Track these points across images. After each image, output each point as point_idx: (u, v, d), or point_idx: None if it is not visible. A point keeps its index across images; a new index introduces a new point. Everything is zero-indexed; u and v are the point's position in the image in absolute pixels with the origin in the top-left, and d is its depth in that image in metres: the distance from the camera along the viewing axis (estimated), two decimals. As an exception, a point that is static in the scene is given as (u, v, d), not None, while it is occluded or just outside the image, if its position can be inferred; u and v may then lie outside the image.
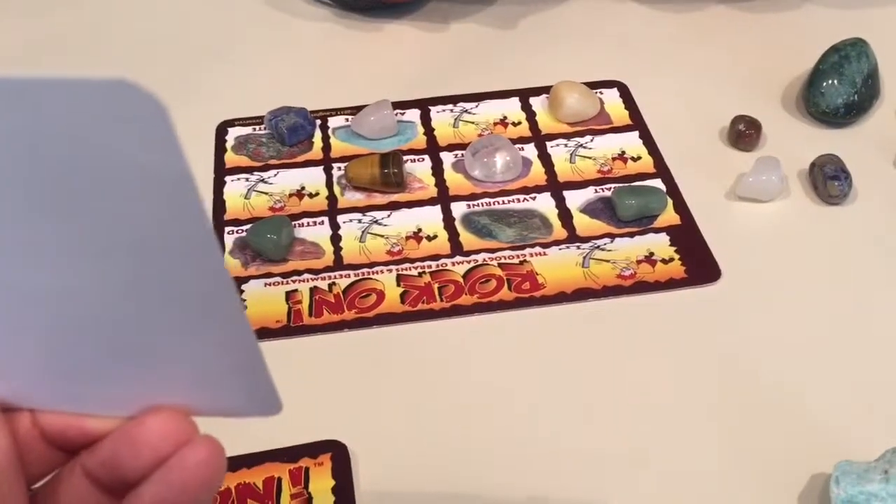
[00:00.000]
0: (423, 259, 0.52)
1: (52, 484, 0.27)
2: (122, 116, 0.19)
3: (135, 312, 0.23)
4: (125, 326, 0.24)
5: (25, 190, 0.21)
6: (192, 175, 0.20)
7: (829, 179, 0.54)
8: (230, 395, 0.26)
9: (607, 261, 0.52)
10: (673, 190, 0.56)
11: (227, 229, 0.54)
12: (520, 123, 0.61)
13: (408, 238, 0.53)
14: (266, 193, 0.56)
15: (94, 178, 0.20)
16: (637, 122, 0.61)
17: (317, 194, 0.56)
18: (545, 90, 0.63)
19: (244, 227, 0.54)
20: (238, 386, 0.26)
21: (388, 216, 0.55)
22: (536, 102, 0.63)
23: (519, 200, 0.55)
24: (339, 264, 0.52)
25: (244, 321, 0.24)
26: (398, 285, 0.51)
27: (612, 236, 0.53)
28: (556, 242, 0.53)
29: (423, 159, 0.58)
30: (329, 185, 0.57)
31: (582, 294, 0.50)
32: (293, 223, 0.54)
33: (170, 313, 0.24)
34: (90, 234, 0.22)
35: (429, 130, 0.61)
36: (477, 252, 0.52)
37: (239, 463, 0.41)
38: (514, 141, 0.59)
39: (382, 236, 0.53)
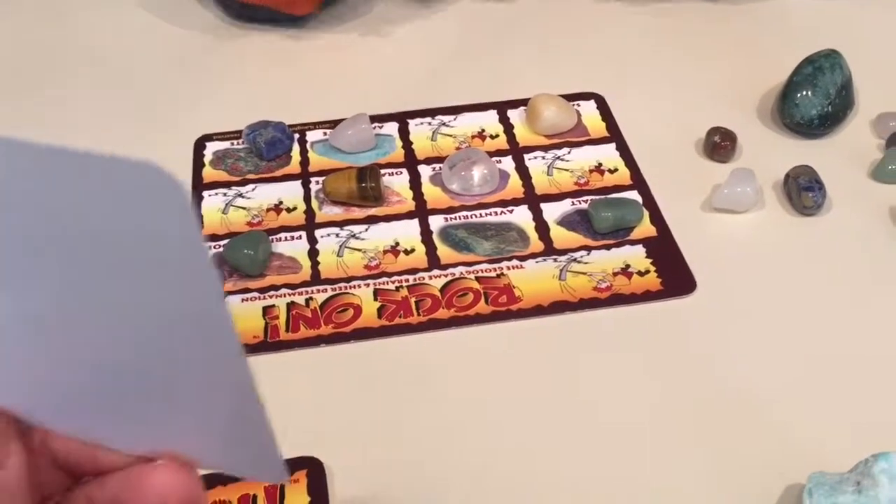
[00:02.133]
0: (400, 273, 0.52)
1: None
2: (146, 194, 0.21)
3: (155, 368, 0.25)
4: (146, 379, 0.25)
5: (64, 250, 0.23)
6: (208, 251, 0.22)
7: (803, 191, 0.55)
8: (238, 457, 0.27)
9: (584, 273, 0.52)
10: (649, 202, 0.56)
11: (204, 245, 0.54)
12: (497, 136, 0.61)
13: (385, 252, 0.53)
14: (244, 208, 0.56)
15: (120, 248, 0.22)
16: (614, 135, 0.61)
17: (294, 209, 0.56)
18: (523, 103, 0.63)
19: (221, 243, 0.54)
20: (246, 451, 0.27)
21: (366, 230, 0.55)
22: (514, 115, 0.63)
23: (496, 213, 0.56)
24: (316, 279, 0.52)
25: (254, 394, 0.25)
26: (375, 300, 0.51)
27: (588, 249, 0.53)
28: (533, 255, 0.53)
29: (401, 173, 0.59)
30: (307, 199, 0.57)
31: (559, 307, 0.50)
32: (271, 238, 0.54)
33: (186, 377, 0.25)
34: (121, 295, 0.23)
35: (407, 144, 0.61)
36: (454, 266, 0.52)
37: (214, 480, 0.41)
38: (492, 154, 0.59)
39: (360, 250, 0.54)
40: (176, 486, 0.26)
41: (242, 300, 0.51)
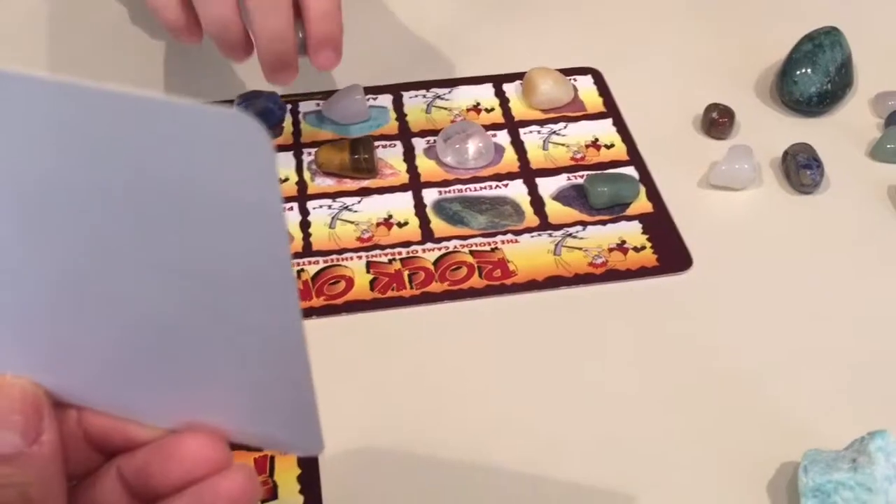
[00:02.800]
0: (393, 246, 0.51)
1: (87, 481, 0.28)
2: (232, 147, 0.20)
3: (204, 332, 0.24)
4: (190, 345, 0.24)
5: (126, 203, 0.22)
6: (285, 215, 0.21)
7: (801, 168, 0.54)
8: (275, 429, 0.27)
9: (579, 248, 0.51)
10: (646, 178, 0.56)
11: (194, 215, 0.53)
12: (493, 110, 0.61)
13: (378, 224, 0.53)
14: (234, 178, 0.55)
15: (190, 201, 0.21)
16: (611, 110, 0.61)
17: (286, 180, 0.55)
18: (519, 76, 0.62)
19: (212, 213, 0.53)
20: (285, 422, 0.26)
21: (359, 202, 0.54)
22: (510, 89, 0.62)
23: (491, 187, 0.55)
24: (308, 251, 0.51)
25: (306, 363, 0.24)
26: (368, 272, 0.50)
27: (584, 224, 0.53)
28: (528, 230, 0.52)
29: (395, 145, 0.58)
30: (299, 170, 0.56)
31: (553, 282, 0.50)
32: (262, 209, 0.53)
33: (236, 342, 0.24)
34: (178, 252, 0.22)
35: (401, 116, 0.60)
36: (448, 239, 0.52)
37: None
38: (487, 127, 0.58)
39: (352, 223, 0.53)
40: (202, 455, 0.25)
41: (233, 271, 0.50)
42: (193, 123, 0.20)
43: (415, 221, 0.53)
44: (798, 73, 0.59)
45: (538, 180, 0.55)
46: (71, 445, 0.27)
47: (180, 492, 0.25)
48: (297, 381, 0.24)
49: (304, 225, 0.53)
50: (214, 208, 0.21)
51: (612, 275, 0.50)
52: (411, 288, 0.49)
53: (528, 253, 0.51)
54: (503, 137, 0.58)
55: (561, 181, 0.55)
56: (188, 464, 0.25)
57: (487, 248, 0.51)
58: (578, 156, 0.57)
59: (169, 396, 0.26)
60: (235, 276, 0.22)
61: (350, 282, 0.49)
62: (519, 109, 0.61)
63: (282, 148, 0.58)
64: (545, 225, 0.53)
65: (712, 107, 0.58)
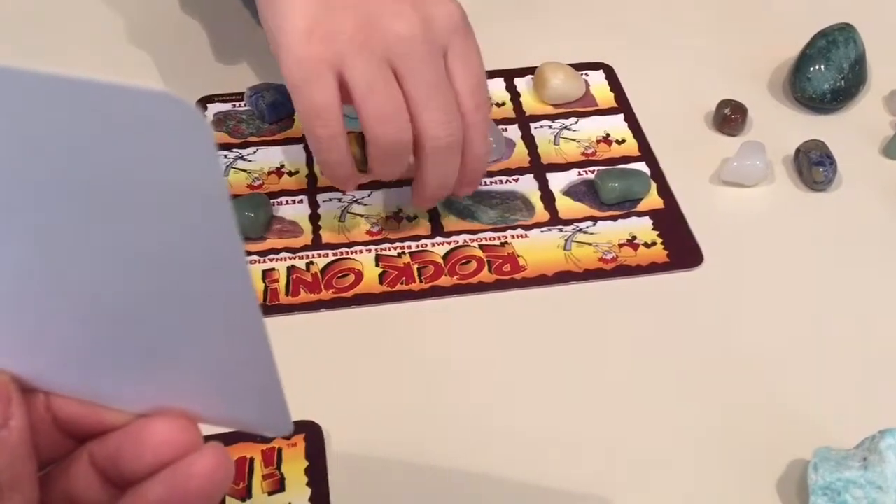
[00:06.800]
0: (402, 239, 0.51)
1: (60, 468, 0.27)
2: (166, 129, 0.20)
3: (161, 316, 0.24)
4: (151, 328, 0.24)
5: (69, 189, 0.21)
6: (229, 194, 0.21)
7: (814, 165, 0.54)
8: (243, 410, 0.27)
9: (589, 244, 0.51)
10: (657, 173, 0.55)
11: (204, 206, 0.53)
12: (504, 104, 0.60)
13: (388, 218, 0.53)
14: (245, 171, 0.55)
15: (132, 185, 0.21)
16: (622, 105, 0.60)
17: (296, 172, 0.55)
18: (530, 71, 0.62)
19: (221, 205, 0.53)
20: (251, 403, 0.26)
21: (369, 195, 0.54)
22: (521, 83, 0.62)
23: (501, 182, 0.55)
24: (317, 243, 0.51)
25: (266, 346, 0.24)
26: (377, 265, 0.50)
27: (594, 219, 0.53)
28: (538, 225, 0.52)
29: (406, 139, 0.58)
30: (309, 163, 0.56)
31: (563, 277, 0.49)
32: (272, 201, 0.53)
33: (194, 323, 0.24)
34: (127, 237, 0.22)
35: (411, 110, 0.60)
36: (458, 233, 0.52)
37: (211, 443, 0.41)
38: (498, 122, 0.58)
39: (362, 216, 0.53)
40: (172, 437, 0.25)
41: (242, 263, 0.50)
42: (122, 104, 0.19)
43: (425, 215, 0.53)
44: (811, 69, 0.59)
45: (549, 175, 0.55)
46: (41, 431, 0.27)
47: (154, 475, 0.25)
48: (259, 363, 0.24)
49: (314, 218, 0.53)
50: (156, 191, 0.21)
51: (623, 270, 0.50)
52: (420, 282, 0.49)
53: (537, 248, 0.51)
54: (514, 132, 0.58)
55: (572, 176, 0.55)
56: (159, 447, 0.25)
57: (497, 242, 0.51)
58: (589, 151, 0.57)
59: (136, 381, 0.26)
60: (187, 260, 0.22)
61: (359, 275, 0.49)
62: (530, 104, 0.60)
63: (292, 141, 0.57)
64: (555, 220, 0.52)
65: (725, 103, 0.58)
